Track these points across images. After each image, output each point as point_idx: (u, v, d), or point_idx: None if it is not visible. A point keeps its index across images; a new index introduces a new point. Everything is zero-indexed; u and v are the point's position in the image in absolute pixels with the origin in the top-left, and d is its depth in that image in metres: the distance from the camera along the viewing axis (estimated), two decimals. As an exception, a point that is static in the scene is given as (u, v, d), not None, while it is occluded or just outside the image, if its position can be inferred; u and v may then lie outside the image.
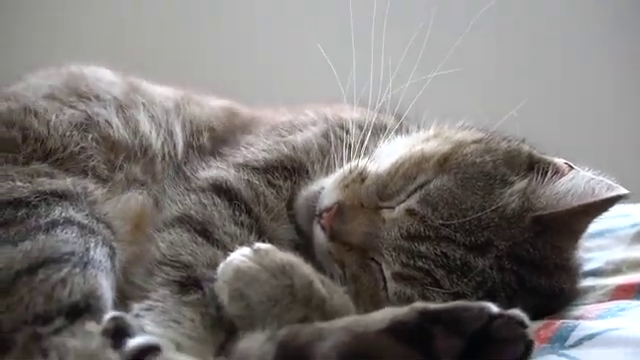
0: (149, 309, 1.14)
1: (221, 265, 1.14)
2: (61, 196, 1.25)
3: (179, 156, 1.47)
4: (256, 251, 1.14)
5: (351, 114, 1.46)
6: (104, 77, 1.56)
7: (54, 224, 1.19)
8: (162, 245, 1.24)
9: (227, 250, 1.19)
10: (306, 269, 1.15)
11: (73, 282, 1.11)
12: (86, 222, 1.23)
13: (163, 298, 1.15)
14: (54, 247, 1.15)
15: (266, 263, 1.12)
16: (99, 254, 1.18)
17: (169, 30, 3.20)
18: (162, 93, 1.58)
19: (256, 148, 1.45)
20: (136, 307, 1.14)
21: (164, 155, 1.46)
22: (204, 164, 1.43)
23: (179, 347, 1.09)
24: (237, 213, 1.31)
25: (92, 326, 1.08)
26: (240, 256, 1.13)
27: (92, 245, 1.18)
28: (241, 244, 1.17)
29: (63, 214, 1.21)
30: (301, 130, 1.49)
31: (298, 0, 3.23)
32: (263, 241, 1.20)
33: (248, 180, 1.36)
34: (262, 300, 1.11)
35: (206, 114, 1.57)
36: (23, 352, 1.04)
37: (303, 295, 1.12)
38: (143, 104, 1.51)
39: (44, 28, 3.14)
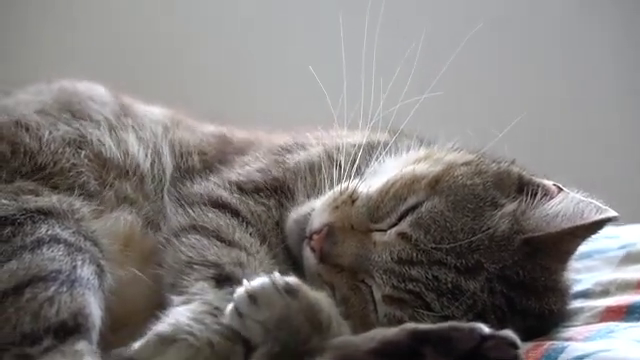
0: (187, 302, 1.13)
1: (240, 291, 1.09)
2: (47, 213, 1.24)
3: (167, 176, 1.46)
4: (286, 287, 1.09)
5: (345, 138, 1.46)
6: (97, 96, 1.54)
7: (40, 242, 1.18)
8: (184, 249, 1.25)
9: (248, 252, 1.22)
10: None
11: (60, 301, 1.10)
12: (73, 240, 1.21)
13: (202, 290, 1.15)
14: (40, 265, 1.14)
15: (296, 306, 1.09)
16: (86, 272, 1.17)
17: (161, 48, 3.22)
18: (152, 114, 1.57)
19: (251, 167, 1.45)
20: (175, 300, 1.15)
21: (154, 176, 1.45)
22: (197, 180, 1.43)
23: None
24: (244, 224, 1.32)
25: (83, 345, 1.08)
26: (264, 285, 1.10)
27: (79, 263, 1.17)
28: (257, 252, 1.20)
29: (49, 232, 1.20)
30: (296, 152, 1.48)
31: (290, 22, 3.24)
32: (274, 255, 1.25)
33: (241, 199, 1.37)
34: (273, 325, 1.08)
35: (197, 139, 1.55)
36: None
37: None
38: (132, 127, 1.50)
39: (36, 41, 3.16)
